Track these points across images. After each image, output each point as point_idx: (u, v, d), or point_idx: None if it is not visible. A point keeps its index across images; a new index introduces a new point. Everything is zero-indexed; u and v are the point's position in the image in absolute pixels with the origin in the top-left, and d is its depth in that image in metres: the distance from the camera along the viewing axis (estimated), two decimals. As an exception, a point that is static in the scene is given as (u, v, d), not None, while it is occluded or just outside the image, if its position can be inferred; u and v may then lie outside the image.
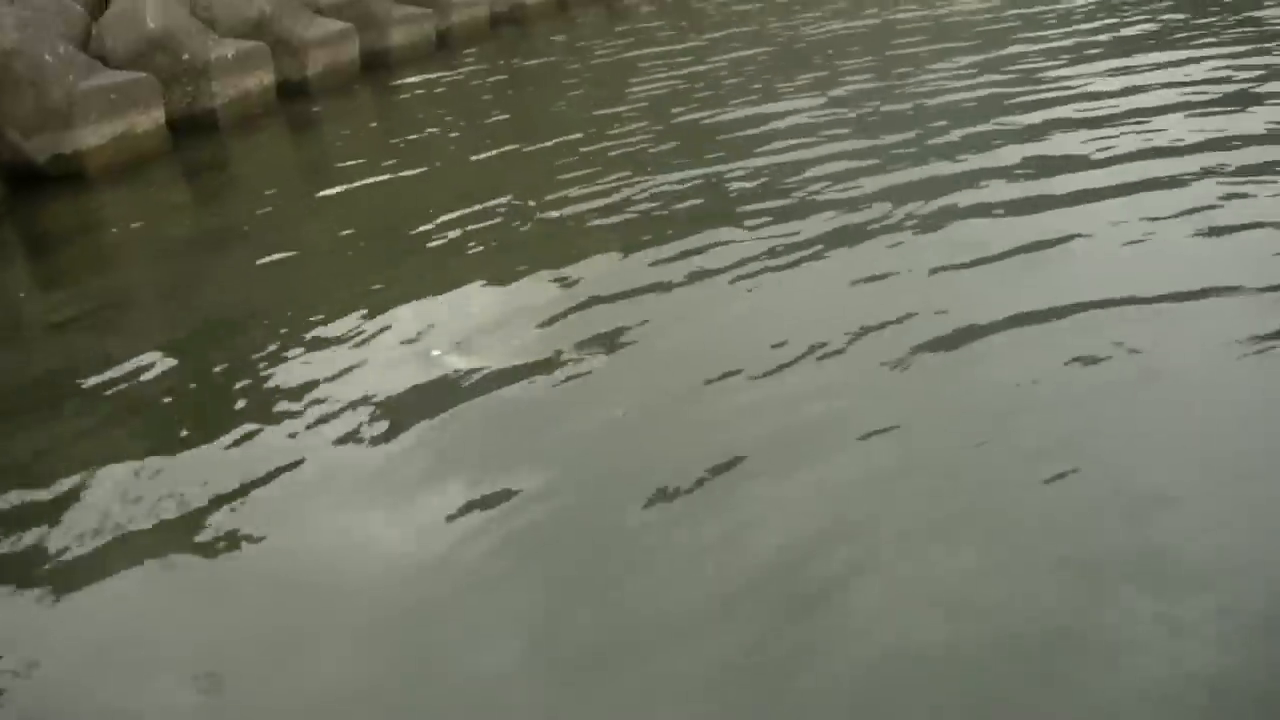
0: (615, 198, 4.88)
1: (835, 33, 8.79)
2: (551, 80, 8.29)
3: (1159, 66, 6.79)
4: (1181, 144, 5.05)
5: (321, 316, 3.82)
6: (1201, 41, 7.48)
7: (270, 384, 3.37)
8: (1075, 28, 8.41)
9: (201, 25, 7.31)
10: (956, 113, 6.03)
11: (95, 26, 6.90)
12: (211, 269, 4.60)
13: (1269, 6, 8.76)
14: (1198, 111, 5.66)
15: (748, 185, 4.92)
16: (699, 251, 4.10)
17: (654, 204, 4.74)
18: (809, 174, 4.99)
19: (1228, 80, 6.32)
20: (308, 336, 3.68)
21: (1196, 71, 6.55)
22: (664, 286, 3.81)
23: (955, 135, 5.56)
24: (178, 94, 6.92)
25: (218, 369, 3.52)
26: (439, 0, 9.67)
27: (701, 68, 7.99)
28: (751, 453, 2.75)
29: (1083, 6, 9.55)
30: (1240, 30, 7.86)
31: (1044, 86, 6.51)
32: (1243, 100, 5.86)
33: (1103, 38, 8.02)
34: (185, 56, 6.93)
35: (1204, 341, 3.15)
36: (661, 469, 2.70)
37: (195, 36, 7.07)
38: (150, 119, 6.37)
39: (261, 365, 3.50)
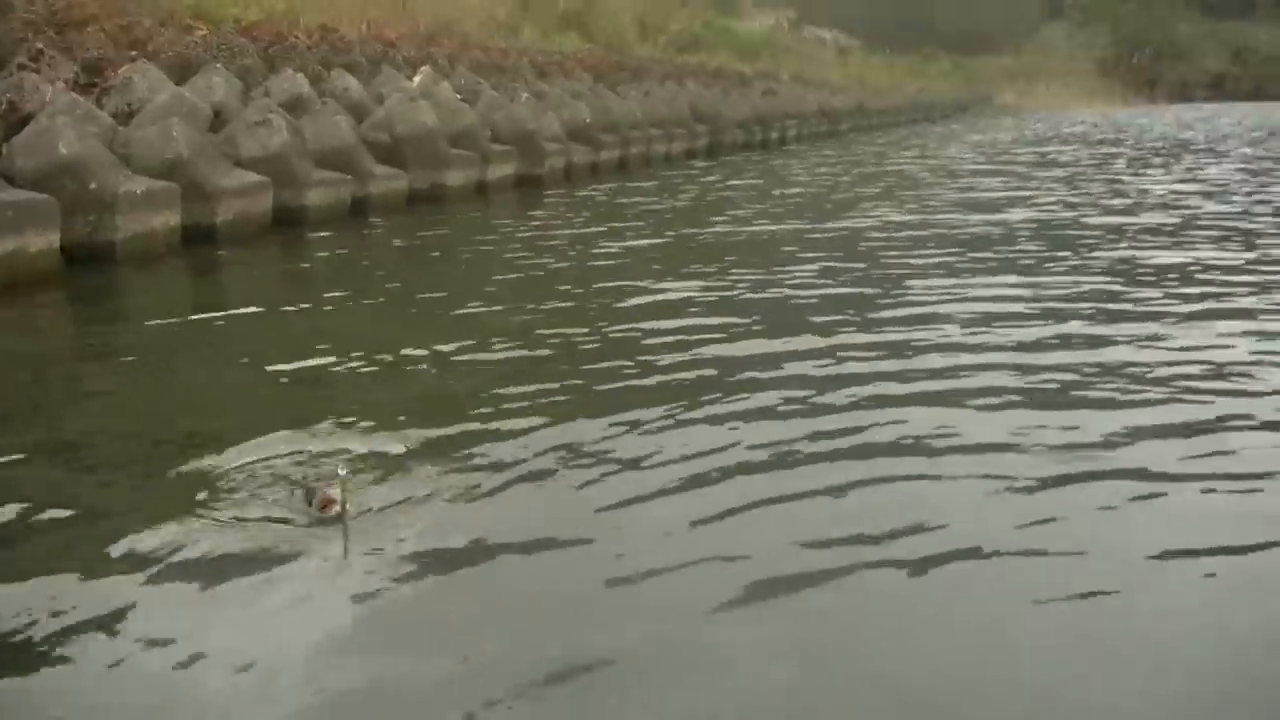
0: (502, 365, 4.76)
1: (734, 238, 8.94)
2: (454, 254, 8.39)
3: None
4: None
5: (170, 445, 3.60)
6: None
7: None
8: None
9: (115, 159, 7.25)
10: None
11: (5, 146, 6.81)
12: (74, 389, 4.39)
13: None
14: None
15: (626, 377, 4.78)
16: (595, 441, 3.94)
17: (546, 383, 4.56)
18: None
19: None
20: (149, 470, 3.44)
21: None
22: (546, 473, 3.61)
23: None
24: (79, 222, 6.79)
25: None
26: (359, 169, 9.75)
27: (602, 251, 8.08)
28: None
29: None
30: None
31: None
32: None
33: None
34: (93, 186, 6.83)
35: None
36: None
37: (106, 168, 7.00)
38: (45, 241, 6.22)
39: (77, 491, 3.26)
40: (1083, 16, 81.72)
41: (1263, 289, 6.46)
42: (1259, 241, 8.55)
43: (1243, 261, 7.54)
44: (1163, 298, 6.32)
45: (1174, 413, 4.09)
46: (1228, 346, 5.08)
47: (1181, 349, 5.05)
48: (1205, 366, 4.72)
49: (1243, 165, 16.84)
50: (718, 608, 2.59)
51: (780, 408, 4.12)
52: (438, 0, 19.38)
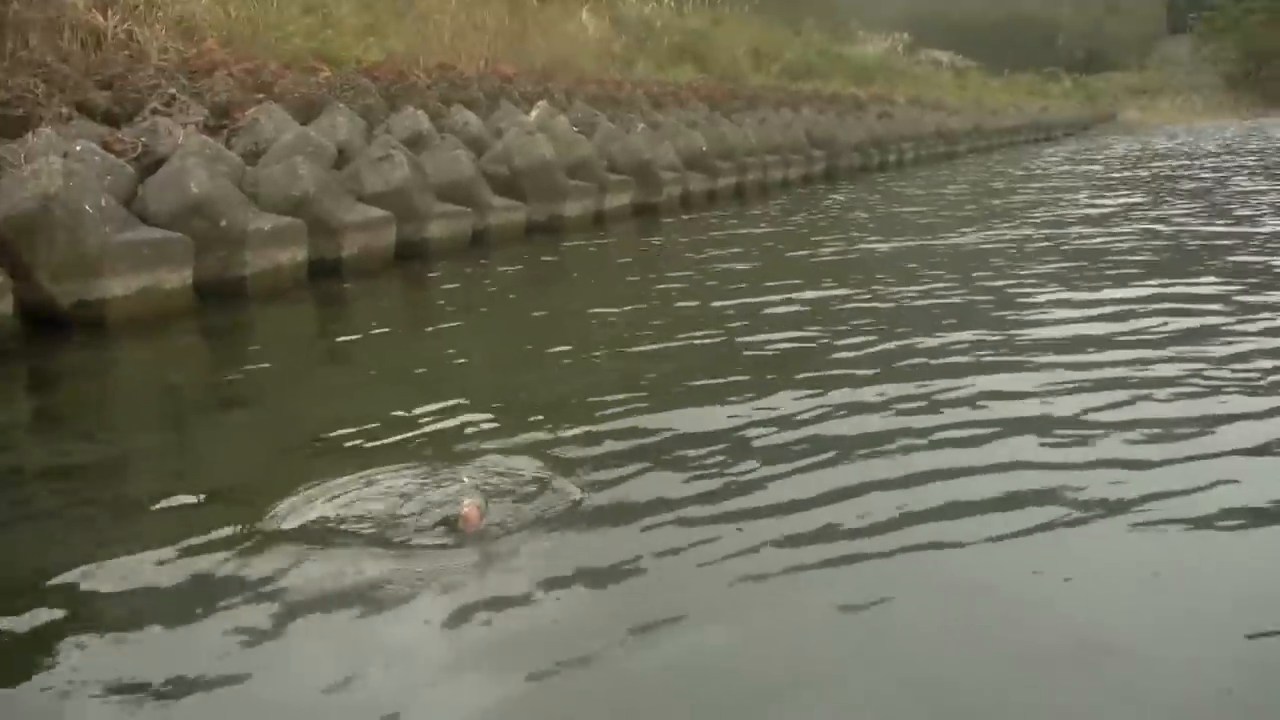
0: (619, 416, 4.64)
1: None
2: (572, 279, 8.43)
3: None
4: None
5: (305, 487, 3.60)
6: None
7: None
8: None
9: (244, 197, 7.42)
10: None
11: (141, 188, 7.01)
12: (216, 430, 4.46)
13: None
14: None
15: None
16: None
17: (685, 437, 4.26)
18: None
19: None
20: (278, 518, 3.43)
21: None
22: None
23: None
24: (210, 259, 6.95)
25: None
26: (479, 201, 9.84)
27: (715, 270, 7.99)
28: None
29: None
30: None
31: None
32: None
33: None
34: (223, 224, 6.98)
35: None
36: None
37: (235, 207, 7.15)
38: (179, 278, 6.39)
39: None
40: (1208, 29, 79.36)
41: None
42: None
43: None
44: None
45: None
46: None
47: None
48: None
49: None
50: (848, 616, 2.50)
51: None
52: (554, 37, 19.62)
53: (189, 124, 8.95)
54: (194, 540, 3.07)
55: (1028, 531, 3.05)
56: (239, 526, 3.16)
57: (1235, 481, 3.44)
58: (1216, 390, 4.52)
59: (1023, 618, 2.59)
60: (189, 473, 3.83)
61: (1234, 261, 8.41)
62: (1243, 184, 15.92)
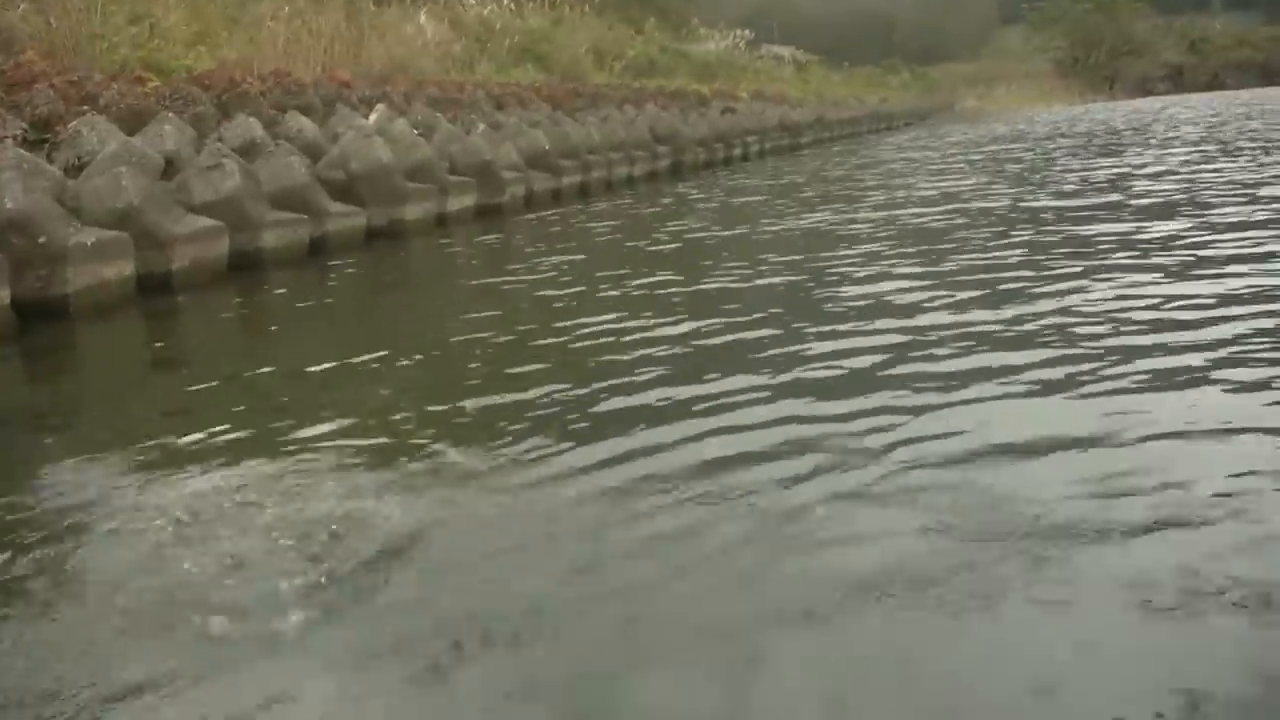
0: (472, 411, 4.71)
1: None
2: (411, 283, 8.40)
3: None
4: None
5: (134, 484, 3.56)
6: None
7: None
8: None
9: (64, 212, 7.22)
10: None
11: (-48, 206, 6.77)
12: (28, 450, 4.36)
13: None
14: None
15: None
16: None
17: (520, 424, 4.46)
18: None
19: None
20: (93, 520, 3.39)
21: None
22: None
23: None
24: (30, 278, 6.74)
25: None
26: (315, 208, 9.72)
27: (554, 262, 8.09)
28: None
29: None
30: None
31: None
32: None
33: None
34: (41, 240, 6.78)
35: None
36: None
37: (55, 221, 6.95)
38: (-6, 298, 6.20)
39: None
40: (1039, 19, 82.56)
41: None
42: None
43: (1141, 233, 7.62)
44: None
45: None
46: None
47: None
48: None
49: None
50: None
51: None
52: (392, 41, 19.43)
53: (5, 137, 8.67)
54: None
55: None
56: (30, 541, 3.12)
57: (991, 425, 3.71)
58: (994, 345, 4.87)
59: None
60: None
61: (1042, 232, 8.98)
62: (1063, 162, 16.72)
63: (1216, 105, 39.46)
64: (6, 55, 11.14)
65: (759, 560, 2.85)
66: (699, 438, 3.81)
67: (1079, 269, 6.85)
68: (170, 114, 10.65)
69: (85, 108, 10.95)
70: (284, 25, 16.92)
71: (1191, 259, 7.04)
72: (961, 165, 17.76)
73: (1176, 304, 5.61)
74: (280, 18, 16.94)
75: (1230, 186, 11.19)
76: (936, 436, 3.70)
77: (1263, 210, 9.09)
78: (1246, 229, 8.12)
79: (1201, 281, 6.21)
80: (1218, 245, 7.50)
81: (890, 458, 3.50)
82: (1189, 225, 8.54)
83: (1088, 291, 6.07)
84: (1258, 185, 11.08)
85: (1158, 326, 5.19)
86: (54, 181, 7.68)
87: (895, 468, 3.40)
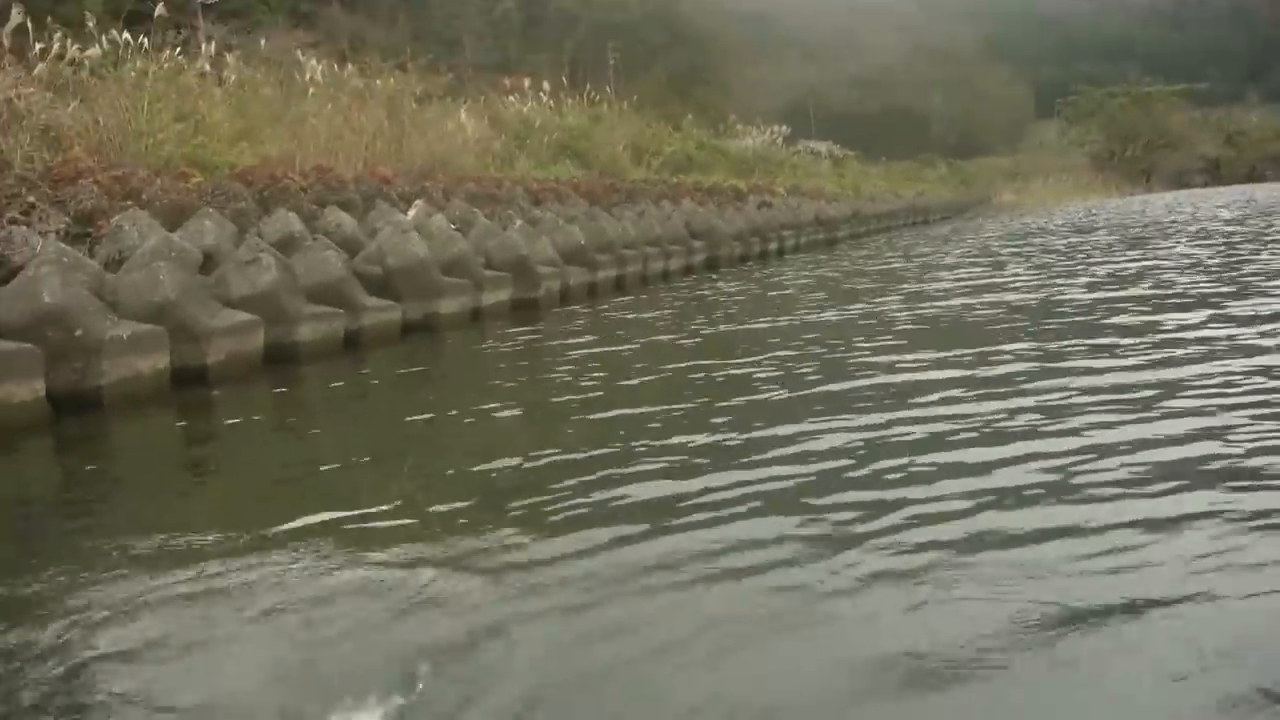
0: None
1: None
2: (442, 378, 8.44)
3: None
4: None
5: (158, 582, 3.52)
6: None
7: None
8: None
9: (101, 305, 7.30)
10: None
11: (-9, 299, 6.88)
12: (62, 543, 4.33)
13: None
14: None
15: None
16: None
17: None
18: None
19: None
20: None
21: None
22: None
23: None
24: (65, 370, 6.81)
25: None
26: (351, 302, 9.79)
27: (588, 353, 8.07)
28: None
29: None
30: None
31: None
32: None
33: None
34: (78, 333, 6.86)
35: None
36: None
37: (91, 315, 7.03)
38: (29, 390, 6.24)
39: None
40: (1073, 114, 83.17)
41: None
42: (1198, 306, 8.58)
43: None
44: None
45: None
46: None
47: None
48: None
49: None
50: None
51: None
52: (433, 138, 19.76)
53: (49, 232, 8.83)
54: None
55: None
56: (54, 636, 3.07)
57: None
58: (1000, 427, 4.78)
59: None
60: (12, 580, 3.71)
61: (1058, 324, 9.07)
62: (1089, 256, 16.69)
63: (1258, 197, 39.43)
64: (54, 152, 11.40)
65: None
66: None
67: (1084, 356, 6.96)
68: (211, 209, 10.82)
69: (129, 203, 11.17)
70: (326, 122, 17.26)
71: (1201, 348, 7.08)
72: (992, 260, 17.74)
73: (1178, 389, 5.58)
74: (323, 115, 17.30)
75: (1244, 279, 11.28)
76: (933, 520, 3.68)
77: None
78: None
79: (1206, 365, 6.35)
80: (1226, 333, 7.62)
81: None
82: (1202, 318, 8.65)
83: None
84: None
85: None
86: (93, 276, 7.79)
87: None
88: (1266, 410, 5.09)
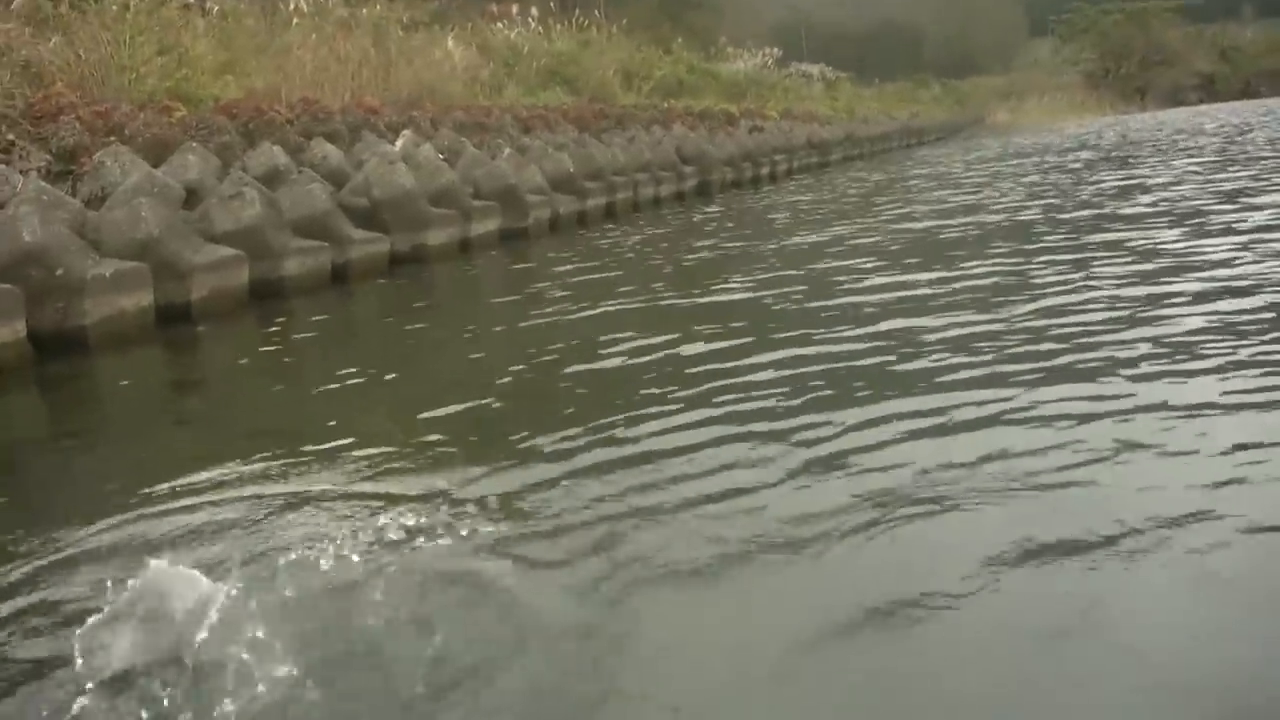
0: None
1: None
2: (431, 311, 8.43)
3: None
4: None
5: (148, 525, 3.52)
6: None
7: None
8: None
9: (83, 244, 7.23)
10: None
11: (-29, 239, 6.81)
12: (44, 485, 4.32)
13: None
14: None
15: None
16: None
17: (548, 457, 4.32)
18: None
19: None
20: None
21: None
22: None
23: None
24: (48, 309, 6.76)
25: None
26: (337, 235, 9.71)
27: (597, 312, 8.03)
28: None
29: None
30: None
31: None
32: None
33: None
34: (59, 272, 6.80)
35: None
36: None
37: (73, 253, 6.97)
38: (10, 330, 6.20)
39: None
40: (1067, 31, 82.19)
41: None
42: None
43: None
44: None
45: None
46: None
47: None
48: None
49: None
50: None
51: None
52: (420, 66, 19.51)
53: (30, 170, 8.73)
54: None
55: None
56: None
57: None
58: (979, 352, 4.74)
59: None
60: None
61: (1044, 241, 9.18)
62: (1076, 177, 16.65)
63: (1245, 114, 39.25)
64: (35, 89, 11.24)
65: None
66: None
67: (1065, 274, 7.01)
68: (195, 144, 10.70)
69: (111, 139, 11.04)
70: (311, 53, 17.02)
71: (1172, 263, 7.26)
72: (981, 179, 17.70)
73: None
74: (308, 45, 17.05)
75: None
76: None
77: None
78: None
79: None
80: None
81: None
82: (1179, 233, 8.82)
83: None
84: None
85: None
86: (74, 214, 7.71)
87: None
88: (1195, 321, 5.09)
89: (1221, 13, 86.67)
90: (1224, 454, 3.48)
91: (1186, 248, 7.98)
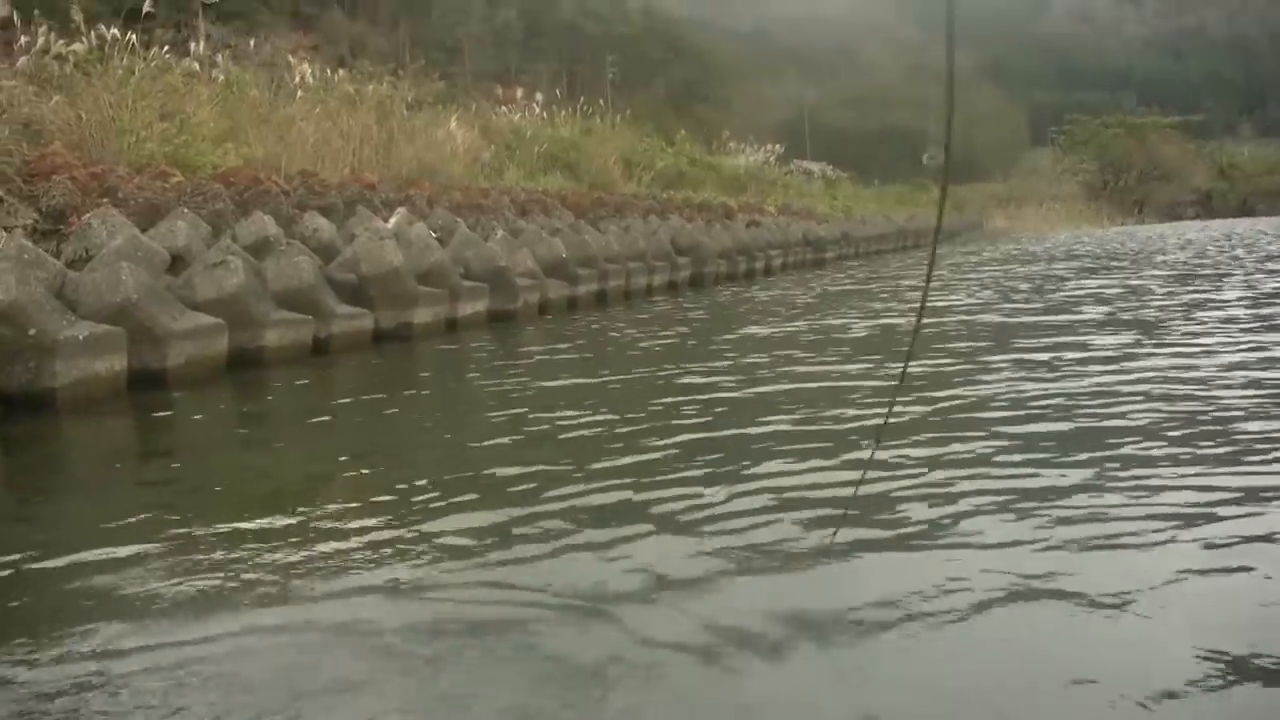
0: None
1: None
2: (406, 385, 8.38)
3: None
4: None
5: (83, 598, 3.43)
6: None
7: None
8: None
9: (58, 305, 7.20)
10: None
11: (-55, 296, 6.76)
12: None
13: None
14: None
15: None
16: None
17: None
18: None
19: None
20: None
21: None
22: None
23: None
24: (19, 369, 6.70)
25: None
26: (321, 309, 9.69)
27: (604, 405, 7.98)
28: None
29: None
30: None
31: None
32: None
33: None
34: (32, 332, 6.74)
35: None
36: None
37: (47, 314, 6.93)
38: (-24, 390, 6.15)
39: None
40: (1068, 142, 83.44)
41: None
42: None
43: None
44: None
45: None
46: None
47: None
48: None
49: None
50: None
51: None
52: (421, 145, 19.68)
53: (15, 227, 8.73)
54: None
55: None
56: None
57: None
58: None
59: None
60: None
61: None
62: (1060, 282, 16.77)
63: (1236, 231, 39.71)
64: (34, 146, 11.32)
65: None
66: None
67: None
68: (186, 209, 10.73)
69: (104, 200, 11.07)
70: (314, 126, 17.19)
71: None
72: (964, 282, 17.84)
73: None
74: (311, 118, 17.21)
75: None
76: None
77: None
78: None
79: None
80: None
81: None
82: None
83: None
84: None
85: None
86: (54, 274, 7.69)
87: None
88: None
89: (1221, 130, 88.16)
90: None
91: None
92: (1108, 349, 8.42)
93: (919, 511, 4.05)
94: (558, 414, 6.54)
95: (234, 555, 3.78)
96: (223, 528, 4.12)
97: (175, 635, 3.07)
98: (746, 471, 4.80)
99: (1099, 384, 6.67)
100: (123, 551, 3.85)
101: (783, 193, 35.47)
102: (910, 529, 3.88)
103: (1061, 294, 14.48)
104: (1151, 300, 12.62)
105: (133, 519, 4.39)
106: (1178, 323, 10.06)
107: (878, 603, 3.13)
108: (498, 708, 2.60)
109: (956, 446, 5.13)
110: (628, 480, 4.76)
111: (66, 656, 2.94)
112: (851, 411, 6.18)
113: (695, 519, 4.09)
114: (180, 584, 3.48)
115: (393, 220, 13.66)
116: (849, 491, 4.25)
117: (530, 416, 6.54)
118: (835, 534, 3.80)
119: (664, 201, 23.84)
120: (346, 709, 2.61)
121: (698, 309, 14.94)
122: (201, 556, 3.77)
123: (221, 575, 3.57)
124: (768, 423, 5.90)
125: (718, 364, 8.67)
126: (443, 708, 2.62)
